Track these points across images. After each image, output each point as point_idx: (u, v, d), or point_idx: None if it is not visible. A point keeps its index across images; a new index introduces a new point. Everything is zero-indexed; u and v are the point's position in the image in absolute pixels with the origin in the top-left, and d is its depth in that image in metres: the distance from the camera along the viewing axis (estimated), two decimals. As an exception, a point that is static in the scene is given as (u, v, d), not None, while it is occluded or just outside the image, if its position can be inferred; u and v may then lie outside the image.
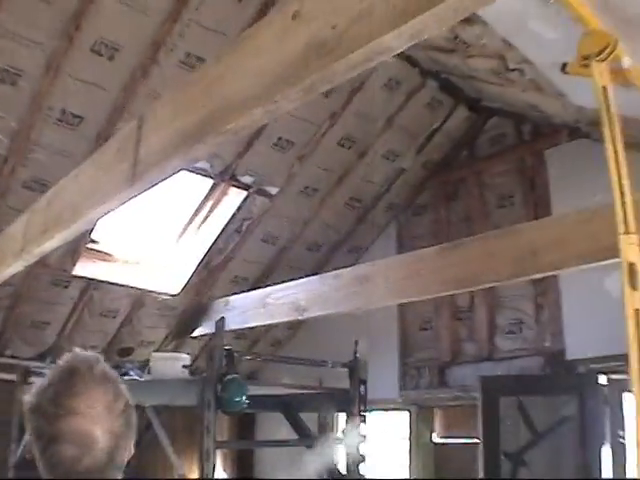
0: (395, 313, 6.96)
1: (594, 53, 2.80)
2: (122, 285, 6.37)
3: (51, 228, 3.55)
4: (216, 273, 6.68)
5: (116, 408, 1.58)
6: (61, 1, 4.36)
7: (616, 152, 2.74)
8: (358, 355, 4.90)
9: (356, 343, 4.99)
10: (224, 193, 6.15)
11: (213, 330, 6.66)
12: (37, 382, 1.62)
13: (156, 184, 2.64)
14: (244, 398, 4.01)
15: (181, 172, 5.25)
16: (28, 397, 1.58)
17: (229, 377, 4.04)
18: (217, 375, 4.09)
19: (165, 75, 4.94)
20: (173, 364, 4.96)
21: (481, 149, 6.82)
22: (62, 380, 1.56)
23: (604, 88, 2.78)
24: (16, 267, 4.31)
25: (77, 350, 1.66)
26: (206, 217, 6.36)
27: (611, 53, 2.80)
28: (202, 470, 4.15)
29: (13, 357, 6.60)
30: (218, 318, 4.46)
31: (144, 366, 6.12)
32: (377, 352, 6.12)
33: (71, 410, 1.52)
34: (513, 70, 4.87)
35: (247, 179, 5.86)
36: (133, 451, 1.64)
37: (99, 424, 1.53)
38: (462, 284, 4.56)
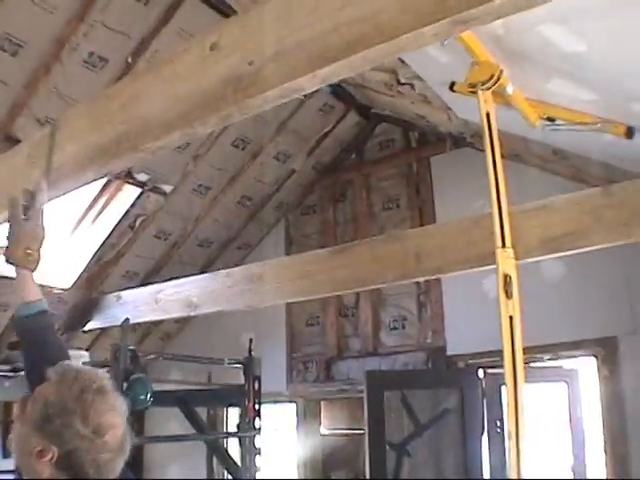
0: (283, 309, 7.15)
1: (481, 82, 3.07)
2: (8, 277, 6.32)
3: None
4: (108, 268, 6.72)
5: (124, 412, 1.86)
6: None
7: (496, 172, 3.01)
8: (252, 352, 5.06)
9: (250, 341, 5.15)
10: (119, 189, 6.20)
11: (104, 325, 6.78)
12: (51, 397, 1.80)
13: (68, 192, 2.74)
14: (149, 396, 4.14)
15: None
16: (45, 415, 1.77)
17: (135, 376, 4.16)
18: (123, 374, 4.21)
19: (67, 74, 4.96)
20: (74, 361, 4.99)
21: (370, 153, 7.10)
22: (95, 400, 1.79)
23: (487, 113, 3.05)
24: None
25: (84, 368, 1.93)
26: (100, 212, 6.38)
27: (496, 82, 3.07)
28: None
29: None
30: (123, 319, 4.55)
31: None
32: (266, 347, 6.30)
33: (107, 427, 1.77)
34: (404, 84, 5.13)
35: (142, 177, 5.92)
36: None
37: (122, 428, 1.83)
38: (350, 285, 4.79)
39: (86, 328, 6.91)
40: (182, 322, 7.64)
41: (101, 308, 6.68)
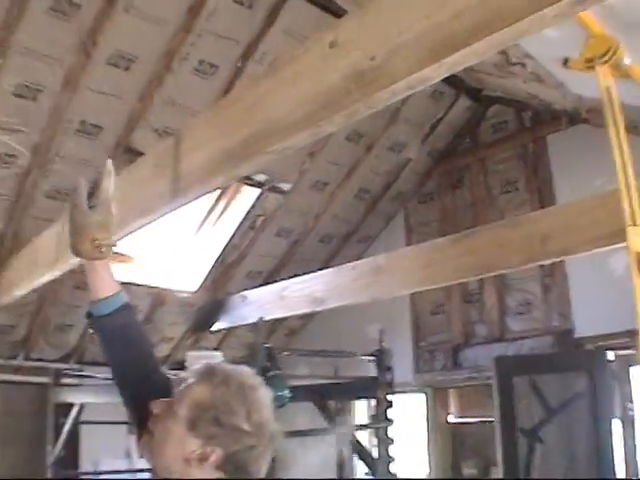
0: (407, 299, 7.13)
1: (598, 56, 3.00)
2: (142, 285, 6.56)
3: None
4: (232, 269, 6.88)
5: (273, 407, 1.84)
6: (78, 18, 4.52)
7: (621, 148, 2.93)
8: (383, 344, 5.08)
9: (381, 332, 5.17)
10: (238, 191, 6.34)
11: (231, 325, 6.94)
12: (207, 397, 1.76)
13: (197, 199, 2.83)
14: (287, 392, 4.21)
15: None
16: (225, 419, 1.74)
17: (272, 373, 4.23)
18: (260, 372, 4.29)
19: (179, 83, 5.12)
20: (212, 361, 5.12)
21: (484, 137, 7.00)
22: (254, 396, 1.78)
23: (608, 88, 2.98)
24: (50, 276, 4.49)
25: (229, 366, 1.88)
26: (221, 215, 6.54)
27: (613, 55, 3.00)
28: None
29: (39, 360, 6.82)
30: (258, 318, 4.64)
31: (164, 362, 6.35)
32: (391, 337, 6.30)
33: (269, 421, 1.78)
34: (515, 64, 5.05)
35: (261, 177, 6.02)
36: None
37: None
38: (474, 272, 4.75)
39: (213, 329, 7.09)
40: (306, 318, 7.71)
41: (227, 308, 6.85)
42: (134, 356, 2.10)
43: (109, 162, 2.13)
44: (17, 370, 6.70)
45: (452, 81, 6.30)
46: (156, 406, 1.83)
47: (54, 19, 4.48)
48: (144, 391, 1.96)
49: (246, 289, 6.79)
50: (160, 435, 1.78)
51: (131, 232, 3.41)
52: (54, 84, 4.81)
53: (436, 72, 1.78)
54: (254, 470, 1.76)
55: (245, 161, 2.36)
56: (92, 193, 2.08)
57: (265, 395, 1.82)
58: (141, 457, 1.93)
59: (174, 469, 1.75)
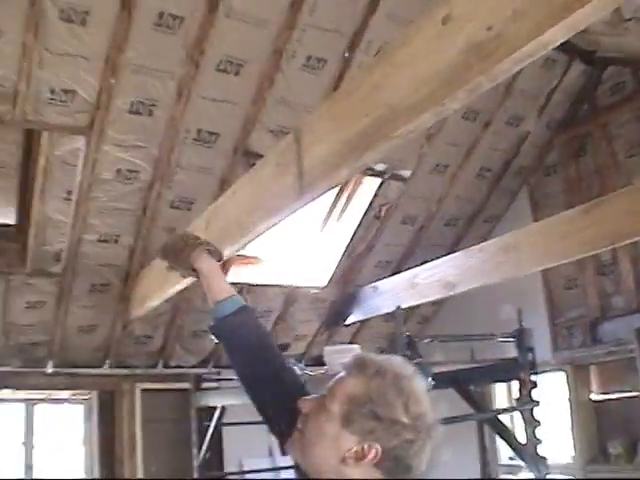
0: (538, 276, 6.92)
1: None
2: (273, 285, 6.64)
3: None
4: (360, 260, 6.86)
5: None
6: (183, 30, 4.63)
7: None
8: (523, 324, 4.96)
9: (519, 312, 5.05)
10: (359, 183, 6.33)
11: (364, 317, 6.93)
12: (362, 391, 1.67)
13: (324, 193, 2.82)
14: (430, 380, 4.13)
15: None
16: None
17: (414, 362, 4.17)
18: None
19: (290, 81, 5.15)
20: (347, 356, 5.11)
21: (602, 101, 6.71)
22: (411, 386, 1.67)
23: None
24: (183, 284, 4.58)
25: (379, 356, 1.78)
26: (344, 208, 6.54)
27: None
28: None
29: (178, 367, 7.00)
30: (395, 307, 4.59)
31: (301, 360, 6.39)
32: (526, 316, 6.14)
33: (427, 412, 1.68)
34: (629, 19, 4.85)
35: (380, 166, 5.99)
36: None
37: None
38: (606, 242, 4.55)
39: (347, 322, 7.10)
40: (437, 304, 7.63)
41: (359, 301, 6.84)
42: (259, 356, 2.09)
43: None
44: (158, 378, 6.90)
45: (564, 46, 6.07)
46: (305, 405, 1.77)
47: (160, 34, 4.61)
48: (273, 391, 1.97)
49: (376, 280, 6.77)
50: (311, 434, 1.72)
51: (260, 234, 3.43)
52: (167, 97, 4.93)
53: (557, 35, 1.71)
54: (414, 465, 1.65)
55: (369, 149, 2.34)
56: None
57: (421, 385, 1.71)
58: (284, 455, 1.85)
59: (328, 469, 1.68)
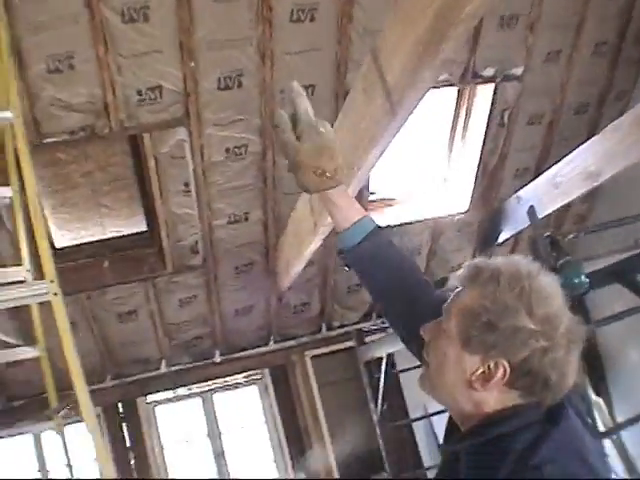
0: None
1: None
2: (415, 222, 6.43)
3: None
4: (496, 175, 6.52)
5: (563, 295, 1.50)
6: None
7: None
8: None
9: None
10: (472, 95, 5.98)
11: (515, 231, 6.60)
12: (477, 303, 1.48)
13: (415, 106, 2.60)
14: (584, 278, 3.80)
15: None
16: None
17: (562, 261, 3.86)
18: (548, 265, 3.96)
19: (367, 11, 4.88)
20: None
21: None
22: (533, 286, 1.44)
23: None
24: (316, 243, 4.50)
25: (494, 260, 1.53)
26: (465, 126, 6.22)
27: None
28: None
29: (341, 327, 6.93)
30: (527, 208, 4.29)
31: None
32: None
33: (558, 313, 1.44)
34: None
35: (489, 71, 5.61)
36: None
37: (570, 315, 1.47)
38: None
39: (500, 241, 6.80)
40: (589, 200, 7.19)
41: (506, 216, 6.52)
42: (397, 281, 1.91)
43: (294, 84, 1.97)
44: (324, 342, 6.89)
45: None
46: (425, 331, 1.60)
47: (222, 4, 4.45)
48: (417, 318, 1.70)
49: (518, 190, 6.43)
50: (435, 363, 1.55)
51: (371, 166, 3.25)
52: (251, 64, 4.78)
53: None
54: (556, 379, 1.42)
55: (442, 41, 2.11)
56: (294, 124, 1.88)
57: (549, 282, 1.47)
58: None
59: (459, 398, 1.51)
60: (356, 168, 3.19)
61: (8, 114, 3.30)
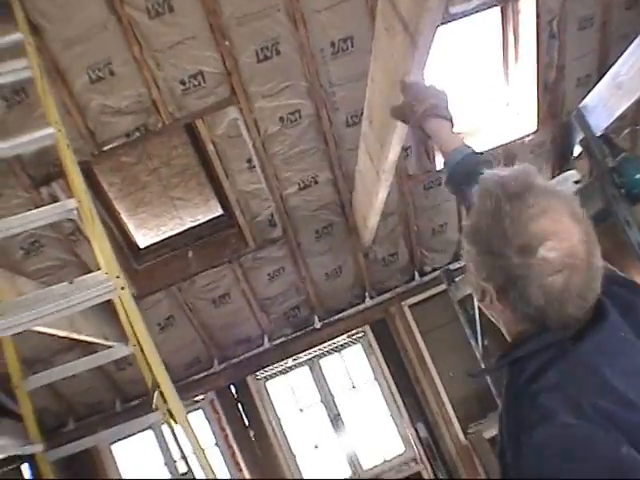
0: None
1: None
2: (487, 151, 6.32)
3: (385, 137, 3.65)
4: (558, 88, 6.34)
5: (579, 213, 1.42)
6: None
7: None
8: None
9: None
10: (516, 11, 5.82)
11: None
12: (470, 228, 1.50)
13: (434, 33, 2.57)
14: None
15: (466, 20, 5.13)
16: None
17: (619, 158, 3.75)
18: (605, 165, 3.84)
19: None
20: (566, 186, 4.77)
21: None
22: (515, 206, 1.39)
23: None
24: (384, 191, 4.50)
25: (491, 173, 1.51)
26: (516, 45, 6.07)
27: None
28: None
29: (434, 270, 6.91)
30: (572, 114, 4.18)
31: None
32: None
33: (542, 234, 1.36)
34: None
35: (527, -16, 5.48)
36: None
37: (573, 237, 1.38)
38: None
39: (575, 154, 6.64)
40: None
41: (576, 127, 6.35)
42: None
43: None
44: (420, 289, 6.89)
45: None
46: None
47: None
48: None
49: (583, 99, 6.25)
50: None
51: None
52: (284, 30, 4.79)
53: None
54: (551, 306, 1.37)
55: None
56: None
57: (543, 200, 1.39)
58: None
59: (497, 319, 1.56)
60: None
61: (51, 130, 3.40)
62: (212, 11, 4.46)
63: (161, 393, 3.16)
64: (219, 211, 5.97)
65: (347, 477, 6.91)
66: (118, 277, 2.91)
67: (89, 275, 3.20)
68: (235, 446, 6.58)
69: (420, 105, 2.47)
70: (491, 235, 1.41)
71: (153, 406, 3.72)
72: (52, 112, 3.46)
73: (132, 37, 4.37)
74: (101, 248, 3.08)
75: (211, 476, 3.10)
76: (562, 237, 1.36)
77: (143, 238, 5.88)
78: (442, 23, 4.38)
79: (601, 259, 1.42)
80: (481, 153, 2.26)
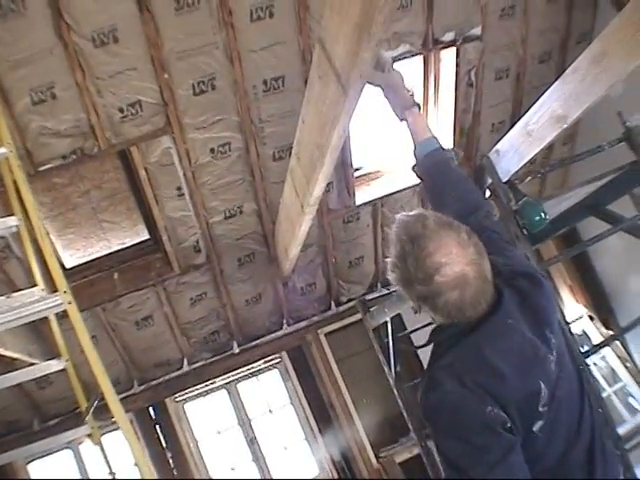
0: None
1: None
2: (402, 190, 6.66)
3: (311, 174, 3.88)
4: (474, 133, 6.73)
5: (463, 240, 1.89)
6: (203, 1, 4.71)
7: None
8: (627, 123, 4.73)
9: (619, 115, 4.83)
10: (437, 61, 6.18)
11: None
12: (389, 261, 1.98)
13: (364, 84, 2.83)
14: (543, 214, 4.07)
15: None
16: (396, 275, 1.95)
17: (520, 203, 4.13)
18: (509, 207, 4.21)
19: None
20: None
21: None
22: (415, 247, 1.87)
23: None
24: (306, 223, 4.72)
25: (399, 216, 2.01)
26: (436, 92, 6.43)
27: None
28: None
29: (350, 300, 7.18)
30: (482, 159, 4.54)
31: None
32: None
33: (437, 266, 1.84)
34: None
35: (449, 36, 5.81)
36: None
37: (461, 261, 1.85)
38: None
39: (487, 195, 6.99)
40: (569, 141, 7.41)
41: (489, 170, 6.71)
42: (450, 196, 2.40)
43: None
44: (335, 318, 7.15)
45: None
46: None
47: (185, 15, 4.72)
48: None
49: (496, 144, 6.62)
50: None
51: (338, 147, 3.48)
52: (221, 66, 5.04)
53: None
54: (454, 313, 1.89)
55: (374, 23, 2.31)
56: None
57: (431, 242, 1.87)
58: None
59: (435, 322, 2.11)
60: (326, 150, 3.44)
61: (2, 150, 3.55)
62: (154, 44, 4.67)
63: (104, 404, 3.29)
64: (146, 235, 6.12)
65: (262, 500, 7.02)
66: (65, 292, 3.08)
67: (28, 290, 3.35)
68: (152, 467, 6.64)
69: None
70: (402, 270, 1.90)
71: (85, 420, 3.83)
72: (4, 132, 3.61)
73: (76, 63, 4.54)
74: (50, 263, 3.24)
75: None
76: (452, 264, 1.84)
77: (70, 258, 5.98)
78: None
79: (490, 270, 1.92)
80: (446, 149, 2.67)
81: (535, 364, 1.93)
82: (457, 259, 1.84)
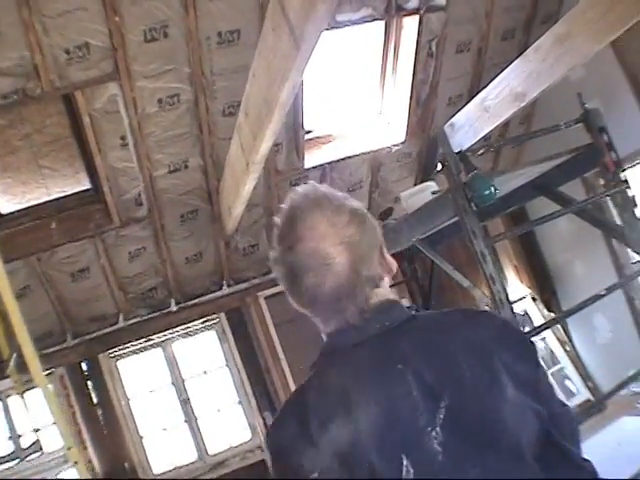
0: (614, 60, 6.32)
1: None
2: (353, 156, 6.57)
3: (258, 131, 3.77)
4: (430, 104, 6.63)
5: (339, 221, 1.53)
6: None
7: None
8: (586, 105, 4.69)
9: (579, 96, 4.78)
10: (399, 28, 6.07)
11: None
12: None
13: (317, 39, 2.72)
14: (493, 189, 3.99)
15: (351, 29, 5.30)
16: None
17: (470, 175, 4.06)
18: (458, 179, 4.14)
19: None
20: (424, 196, 5.02)
21: None
22: (284, 222, 1.58)
23: None
24: (251, 182, 4.62)
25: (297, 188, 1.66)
26: (395, 58, 6.32)
27: None
28: (490, 282, 4.17)
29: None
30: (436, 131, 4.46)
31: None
32: (611, 108, 5.78)
33: (294, 241, 1.53)
34: None
35: (412, 3, 5.70)
36: (392, 262, 1.64)
37: (326, 240, 1.51)
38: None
39: (438, 168, 6.95)
40: (525, 121, 7.36)
41: (442, 143, 6.65)
42: None
43: None
44: (275, 282, 7.01)
45: None
46: None
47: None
48: None
49: (452, 117, 6.55)
50: None
51: (288, 103, 3.37)
52: (175, 14, 4.85)
53: None
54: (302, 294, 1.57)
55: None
56: None
57: (311, 210, 1.55)
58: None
59: None
60: (274, 105, 3.32)
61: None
62: (106, -11, 4.47)
63: (21, 358, 3.16)
64: (87, 185, 5.92)
65: (192, 461, 6.92)
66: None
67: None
68: (82, 424, 6.51)
69: None
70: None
71: (7, 372, 3.70)
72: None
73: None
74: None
75: (72, 445, 3.13)
76: (309, 241, 1.52)
77: (7, 204, 5.77)
78: (327, 29, 4.53)
79: (371, 270, 1.56)
80: None
81: (404, 433, 1.41)
82: (322, 237, 1.52)
